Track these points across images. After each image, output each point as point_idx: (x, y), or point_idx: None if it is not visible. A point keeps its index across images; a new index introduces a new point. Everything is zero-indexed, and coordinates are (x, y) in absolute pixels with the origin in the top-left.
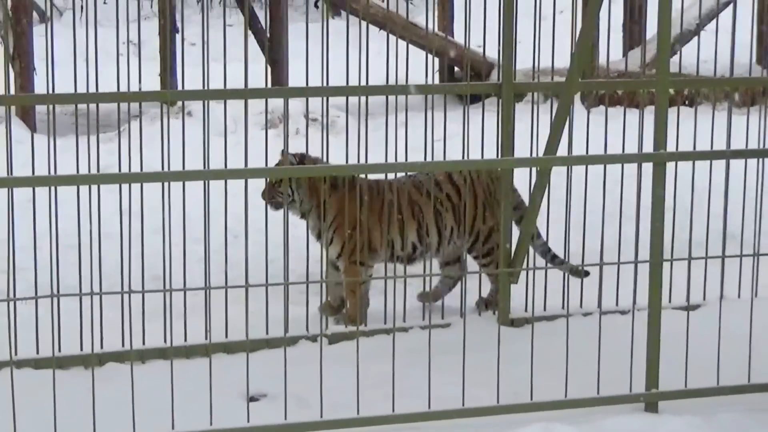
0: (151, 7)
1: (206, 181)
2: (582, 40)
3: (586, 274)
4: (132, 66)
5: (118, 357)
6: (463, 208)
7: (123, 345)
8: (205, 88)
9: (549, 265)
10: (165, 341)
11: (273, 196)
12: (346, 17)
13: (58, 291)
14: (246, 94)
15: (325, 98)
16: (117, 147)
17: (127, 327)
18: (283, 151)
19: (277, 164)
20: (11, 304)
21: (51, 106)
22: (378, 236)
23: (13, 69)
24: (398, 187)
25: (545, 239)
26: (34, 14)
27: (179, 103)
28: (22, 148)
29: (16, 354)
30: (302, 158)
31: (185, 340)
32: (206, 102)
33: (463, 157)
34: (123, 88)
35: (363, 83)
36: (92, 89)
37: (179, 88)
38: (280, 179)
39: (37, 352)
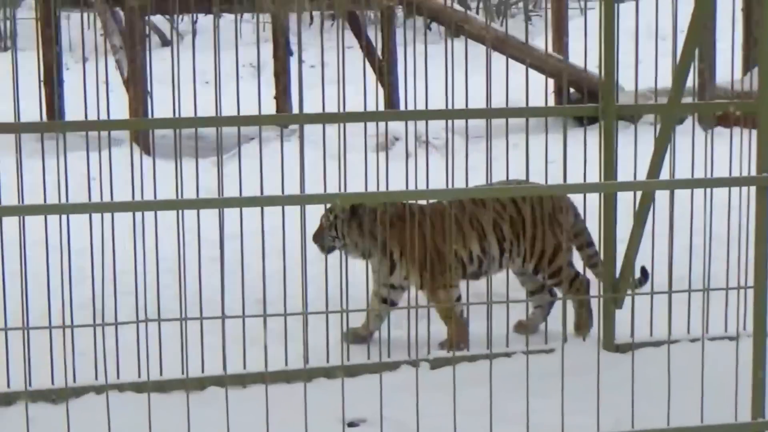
0: (263, 30)
1: (302, 206)
2: (682, 62)
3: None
4: (251, 88)
5: (218, 381)
6: (521, 223)
7: (224, 370)
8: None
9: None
10: (264, 366)
11: (323, 240)
12: (465, 40)
13: (159, 315)
14: (367, 116)
15: (445, 121)
16: (233, 170)
17: (229, 352)
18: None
19: (328, 211)
20: (117, 328)
21: (177, 130)
22: (448, 254)
23: (127, 93)
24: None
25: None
26: (155, 38)
27: (293, 126)
28: (138, 173)
29: (117, 377)
30: (354, 209)
31: (286, 364)
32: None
33: (564, 180)
34: (241, 111)
35: (471, 105)
36: (212, 112)
37: (294, 110)
38: (331, 224)
39: (139, 376)
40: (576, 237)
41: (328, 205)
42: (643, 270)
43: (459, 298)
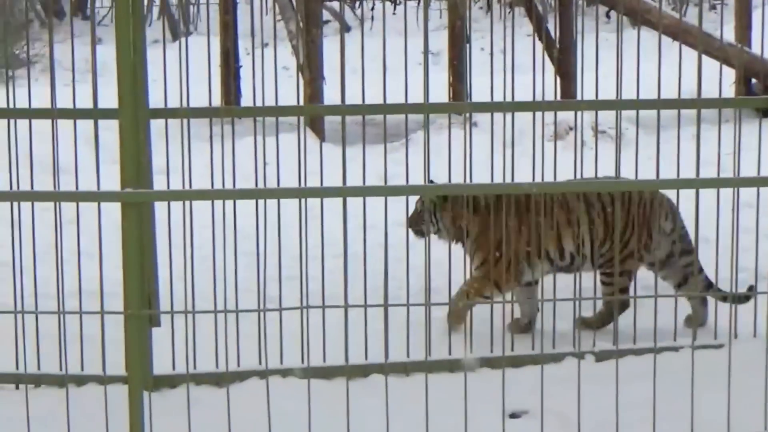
0: (440, 17)
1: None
2: None
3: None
4: (432, 76)
5: (380, 369)
6: (612, 221)
7: (385, 358)
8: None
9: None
10: (426, 354)
11: (417, 225)
12: (637, 29)
13: (323, 302)
14: (535, 106)
15: (617, 111)
16: (403, 157)
17: (392, 339)
18: (431, 180)
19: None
20: (281, 313)
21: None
22: (523, 253)
23: (303, 79)
24: (553, 195)
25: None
26: (335, 24)
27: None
28: (311, 158)
29: (281, 363)
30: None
31: (449, 353)
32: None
33: (735, 173)
34: (412, 98)
35: (655, 96)
36: (380, 100)
37: (469, 98)
38: (424, 210)
39: (302, 362)
40: (675, 243)
41: None
42: (751, 288)
43: (490, 297)
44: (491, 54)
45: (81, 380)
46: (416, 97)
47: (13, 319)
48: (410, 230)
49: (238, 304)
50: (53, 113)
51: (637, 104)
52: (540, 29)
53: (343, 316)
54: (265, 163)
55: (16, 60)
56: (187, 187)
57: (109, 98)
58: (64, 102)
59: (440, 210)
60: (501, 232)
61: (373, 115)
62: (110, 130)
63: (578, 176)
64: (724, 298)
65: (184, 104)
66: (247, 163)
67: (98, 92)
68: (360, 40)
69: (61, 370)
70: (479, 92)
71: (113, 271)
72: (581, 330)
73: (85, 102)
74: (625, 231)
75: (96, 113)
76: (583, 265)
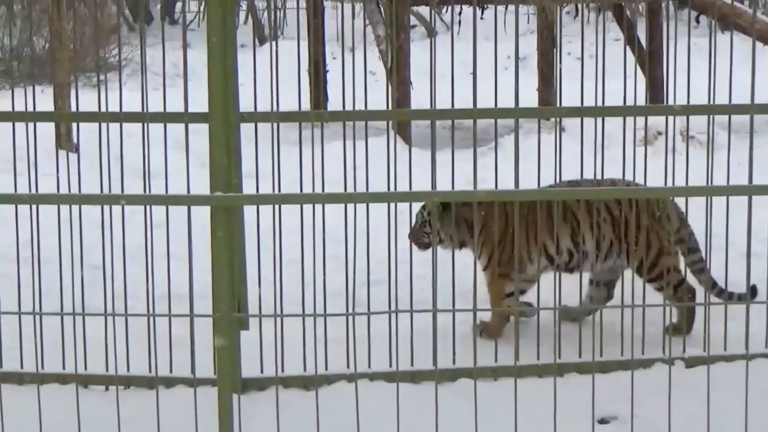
0: (528, 22)
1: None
2: None
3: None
4: (512, 80)
5: (469, 374)
6: (623, 223)
7: (474, 363)
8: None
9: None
10: (515, 360)
11: (419, 238)
12: (730, 33)
13: (411, 306)
14: (628, 111)
15: (709, 116)
16: (491, 161)
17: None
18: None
19: (422, 208)
20: (369, 317)
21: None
22: (526, 246)
23: (390, 84)
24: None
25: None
26: (421, 29)
27: (554, 118)
28: (398, 163)
29: (369, 367)
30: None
31: (537, 358)
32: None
33: None
34: (501, 103)
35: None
36: (469, 104)
37: (558, 103)
38: (425, 221)
39: (390, 366)
40: (680, 242)
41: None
42: (753, 287)
43: (512, 294)
44: (582, 59)
45: (170, 382)
46: (501, 102)
47: (103, 321)
48: (413, 243)
49: (326, 308)
50: (145, 116)
51: (730, 109)
52: (630, 34)
53: (432, 320)
54: (355, 168)
55: (105, 64)
56: (275, 191)
57: (197, 102)
58: (152, 106)
59: (439, 219)
60: (502, 225)
61: (459, 120)
62: (199, 134)
63: (669, 182)
64: (720, 294)
65: (274, 109)
66: (335, 168)
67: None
68: (446, 44)
69: (150, 372)
70: (565, 97)
71: (202, 275)
72: (672, 336)
73: (172, 106)
74: (639, 231)
75: (187, 117)
76: (583, 263)
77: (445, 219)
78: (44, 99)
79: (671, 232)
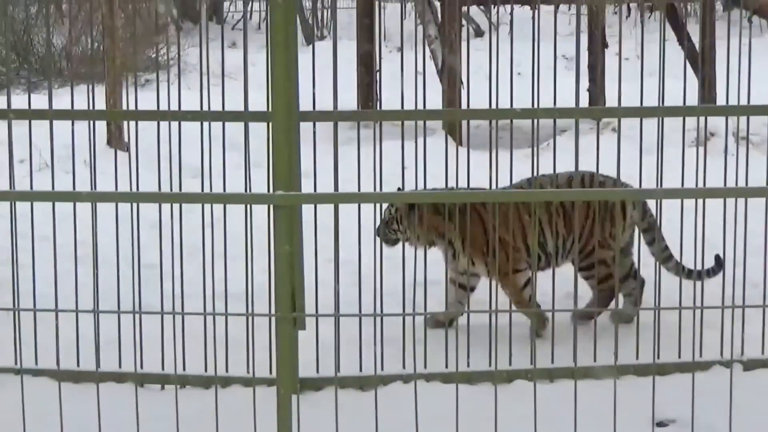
0: (569, 23)
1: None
2: None
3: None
4: (564, 80)
5: (525, 375)
6: (573, 218)
7: (533, 363)
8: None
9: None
10: (573, 361)
11: (386, 234)
12: None
13: (468, 306)
14: (686, 111)
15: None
16: (544, 160)
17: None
18: (399, 188)
19: (390, 205)
20: (424, 318)
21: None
22: (510, 239)
23: (441, 83)
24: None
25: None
26: (469, 28)
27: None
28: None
29: (425, 368)
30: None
31: (594, 360)
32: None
33: None
34: (548, 103)
35: None
36: (524, 104)
37: (607, 103)
38: (392, 218)
39: (446, 366)
40: (645, 232)
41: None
42: (717, 258)
43: (528, 282)
44: (641, 60)
45: (226, 381)
46: (548, 102)
47: (159, 320)
48: (381, 240)
49: (382, 308)
50: (206, 115)
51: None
52: (681, 35)
53: (488, 321)
54: (403, 167)
55: (155, 64)
56: (332, 190)
57: (241, 101)
58: (194, 106)
59: (407, 217)
60: (483, 229)
61: (511, 121)
62: (253, 133)
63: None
64: (689, 275)
65: (331, 107)
66: (387, 167)
67: (235, 96)
68: (492, 44)
69: (206, 371)
70: (610, 98)
71: (257, 275)
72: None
73: (215, 105)
74: (585, 224)
75: (247, 116)
76: (550, 263)
77: (412, 217)
78: (90, 98)
79: (635, 221)
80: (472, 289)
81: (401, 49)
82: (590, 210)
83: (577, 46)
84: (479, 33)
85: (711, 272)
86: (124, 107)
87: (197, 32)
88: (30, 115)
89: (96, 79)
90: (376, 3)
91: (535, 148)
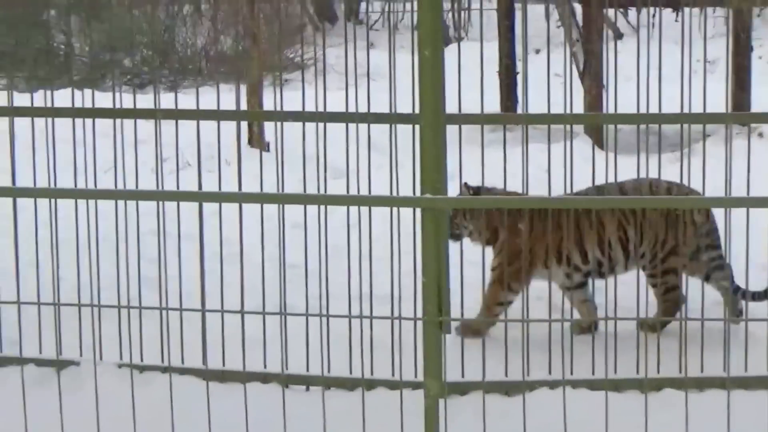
0: (713, 26)
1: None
2: None
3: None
4: (701, 84)
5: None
6: (645, 223)
7: (681, 372)
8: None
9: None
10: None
11: (451, 229)
12: None
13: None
14: None
15: None
16: (682, 167)
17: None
18: (465, 183)
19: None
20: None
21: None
22: (540, 258)
23: (582, 86)
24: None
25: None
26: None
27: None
28: (587, 166)
29: (571, 374)
30: (477, 190)
31: (745, 370)
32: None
33: None
34: (689, 108)
35: None
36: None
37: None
38: (456, 212)
39: (593, 373)
40: (705, 237)
41: None
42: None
43: (508, 303)
44: None
45: (371, 384)
46: (694, 106)
47: (304, 321)
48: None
49: (528, 313)
50: (354, 117)
51: None
52: None
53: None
54: (549, 171)
55: (291, 64)
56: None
57: (380, 103)
58: (333, 107)
59: (471, 211)
60: (520, 235)
61: (659, 126)
62: (385, 134)
63: None
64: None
65: (469, 109)
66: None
67: (372, 97)
68: (632, 47)
69: (350, 373)
70: (758, 102)
71: (402, 277)
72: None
73: (353, 106)
74: (657, 228)
75: (393, 118)
76: (614, 269)
77: (476, 212)
78: (230, 97)
79: (698, 224)
80: (584, 285)
81: (547, 51)
82: (664, 217)
83: (728, 48)
84: (619, 36)
85: (757, 296)
86: (265, 107)
87: (334, 33)
88: (177, 114)
89: (238, 78)
90: (517, 5)
91: (685, 151)
